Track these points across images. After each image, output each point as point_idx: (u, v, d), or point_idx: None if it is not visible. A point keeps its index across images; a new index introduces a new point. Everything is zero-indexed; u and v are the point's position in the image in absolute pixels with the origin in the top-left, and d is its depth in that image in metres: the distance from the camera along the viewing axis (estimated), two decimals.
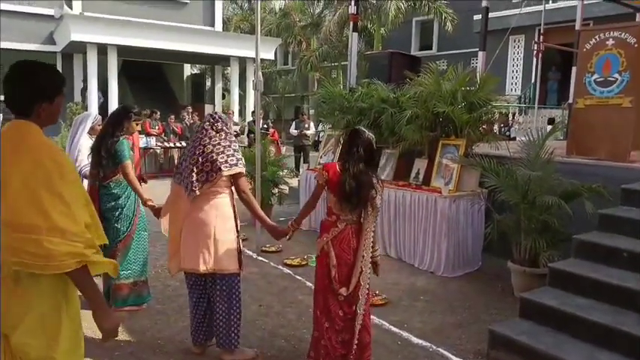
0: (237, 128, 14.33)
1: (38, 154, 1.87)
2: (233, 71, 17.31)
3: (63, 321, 1.94)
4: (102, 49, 14.48)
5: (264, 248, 6.29)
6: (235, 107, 17.18)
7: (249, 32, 21.63)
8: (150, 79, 18.24)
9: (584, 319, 3.41)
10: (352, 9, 8.48)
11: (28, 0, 15.37)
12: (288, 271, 5.58)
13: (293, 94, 26.55)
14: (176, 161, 13.33)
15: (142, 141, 12.26)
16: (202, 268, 3.38)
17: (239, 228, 3.56)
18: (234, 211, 3.54)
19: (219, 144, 3.42)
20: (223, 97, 20.40)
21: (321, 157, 7.67)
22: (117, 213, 4.24)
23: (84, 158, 4.95)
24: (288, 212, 8.33)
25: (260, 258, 6.00)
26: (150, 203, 4.17)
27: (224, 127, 3.51)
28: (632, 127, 5.33)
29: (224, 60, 17.38)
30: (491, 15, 10.02)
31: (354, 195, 3.09)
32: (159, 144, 13.21)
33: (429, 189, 5.83)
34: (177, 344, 3.77)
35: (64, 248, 1.79)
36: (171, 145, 13.38)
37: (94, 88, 14.70)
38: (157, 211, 3.88)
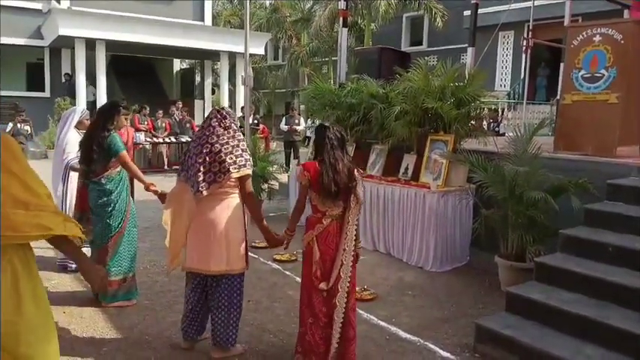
0: (235, 119, 14.27)
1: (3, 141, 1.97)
2: (223, 66, 17.26)
3: (23, 296, 1.98)
4: (90, 44, 14.36)
5: (253, 244, 6.26)
6: (225, 103, 17.12)
7: (239, 27, 21.51)
8: (139, 74, 18.13)
9: (570, 313, 3.45)
10: (342, 4, 8.48)
11: None
12: (278, 266, 5.58)
13: (283, 90, 26.50)
14: (165, 157, 13.27)
15: None
16: (214, 269, 3.33)
17: (247, 227, 3.51)
18: (244, 210, 3.47)
19: (227, 143, 3.32)
20: (213, 92, 20.32)
21: (311, 152, 7.66)
22: (109, 209, 4.22)
23: (72, 151, 4.93)
24: (278, 208, 8.35)
25: (250, 253, 5.89)
26: (153, 188, 4.13)
27: (232, 124, 3.41)
28: (618, 123, 5.38)
29: (214, 55, 17.32)
30: (481, 11, 10.02)
31: (332, 184, 3.11)
32: (148, 139, 13.13)
33: (417, 184, 5.86)
34: (165, 340, 3.76)
35: (28, 220, 1.92)
36: (160, 140, 13.30)
37: (82, 83, 14.59)
38: (162, 197, 3.83)
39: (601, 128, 5.45)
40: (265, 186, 7.88)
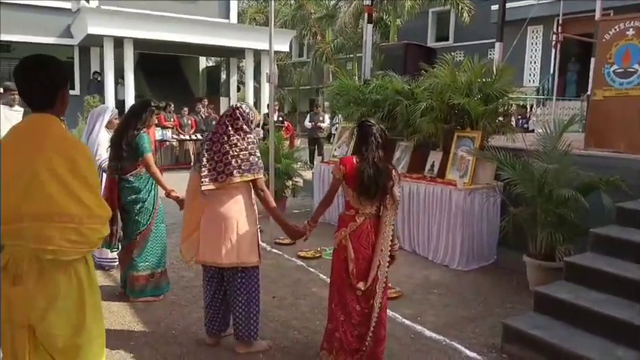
0: (252, 119, 14.35)
1: (64, 146, 1.94)
2: (248, 64, 17.32)
3: (87, 309, 1.98)
4: (118, 42, 14.58)
5: (277, 240, 6.30)
6: (250, 100, 17.20)
7: (264, 24, 21.60)
8: (166, 71, 18.33)
9: (600, 314, 3.37)
10: (367, 0, 8.42)
11: None
12: (302, 263, 5.59)
13: (308, 87, 26.49)
14: (191, 154, 13.43)
15: (157, 134, 12.36)
16: (225, 261, 3.36)
17: (257, 219, 3.55)
18: (254, 203, 3.51)
19: (235, 145, 3.33)
20: (238, 89, 20.43)
21: (335, 149, 7.65)
22: (138, 206, 4.28)
23: (103, 152, 4.98)
24: (302, 204, 8.36)
25: (274, 250, 6.02)
26: (174, 194, 4.20)
27: (243, 126, 3.40)
28: None
29: (239, 52, 17.39)
30: (508, 5, 9.87)
31: (372, 184, 3.08)
32: (174, 136, 13.30)
33: (443, 181, 5.79)
34: (191, 335, 3.81)
35: (100, 234, 1.96)
36: (186, 137, 13.45)
37: (111, 81, 14.82)
38: (182, 203, 3.89)
39: (633, 124, 5.30)
40: (289, 183, 7.91)
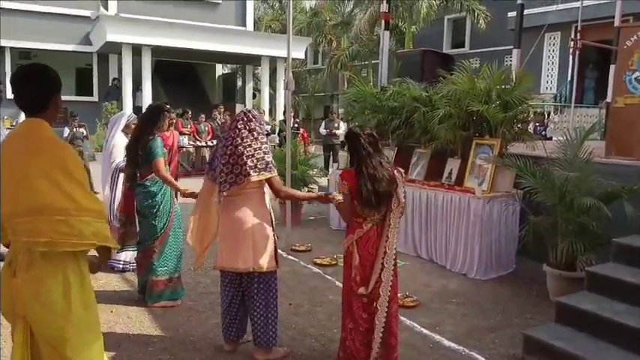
0: (269, 127, 14.41)
1: (54, 148, 2.09)
2: (264, 71, 17.44)
3: (73, 301, 2.06)
4: (136, 50, 14.77)
5: (294, 247, 6.30)
6: (266, 106, 17.29)
7: (280, 32, 21.73)
8: (183, 78, 18.52)
9: (623, 325, 3.30)
10: (384, 7, 8.43)
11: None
12: (318, 270, 5.57)
13: (323, 93, 26.56)
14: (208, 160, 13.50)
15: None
16: (242, 267, 3.37)
17: (274, 225, 3.56)
18: (269, 208, 3.54)
19: (249, 145, 3.37)
20: (254, 96, 20.56)
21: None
22: (154, 210, 4.32)
23: (119, 154, 5.06)
24: (317, 211, 8.36)
25: (290, 257, 6.01)
26: (189, 192, 4.17)
27: (257, 127, 3.46)
28: None
29: (255, 59, 17.53)
30: (526, 12, 9.81)
31: (372, 196, 3.08)
32: (191, 143, 13.39)
33: (461, 189, 5.74)
34: (209, 341, 3.81)
35: (93, 228, 2.01)
36: (203, 144, 13.54)
37: (129, 88, 15.01)
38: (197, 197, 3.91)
39: None
40: (305, 189, 7.91)
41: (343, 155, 9.19)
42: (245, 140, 3.38)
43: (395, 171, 3.19)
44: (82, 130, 10.49)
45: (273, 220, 3.57)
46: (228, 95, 20.84)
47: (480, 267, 5.39)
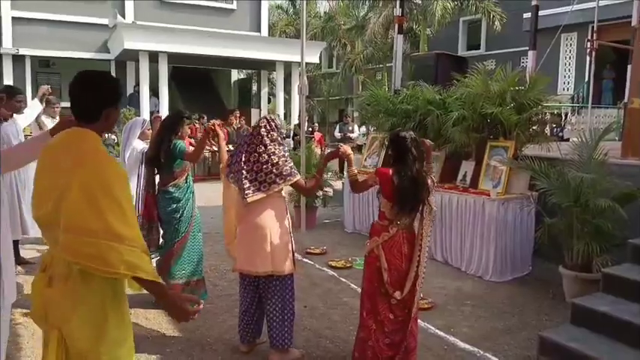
0: (283, 132, 14.48)
1: (98, 162, 1.97)
2: (278, 76, 17.54)
3: (109, 317, 2.02)
4: (153, 57, 14.97)
5: (308, 250, 6.35)
6: (281, 111, 17.39)
7: (295, 37, 21.81)
8: (198, 84, 18.71)
9: (639, 326, 3.28)
10: (397, 11, 8.47)
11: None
12: (333, 273, 5.60)
13: (337, 97, 26.60)
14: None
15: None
16: (261, 270, 3.43)
17: (292, 229, 3.61)
18: (287, 213, 3.59)
19: (274, 153, 3.44)
20: (269, 101, 20.68)
21: (365, 159, 7.66)
22: (178, 215, 4.39)
23: (133, 153, 5.18)
24: (332, 214, 8.39)
25: (305, 259, 6.05)
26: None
27: (278, 137, 3.54)
28: None
29: (270, 65, 17.63)
30: (542, 13, 9.76)
31: (411, 200, 3.12)
32: (207, 148, 13.51)
33: (476, 192, 5.73)
34: (225, 342, 3.86)
35: (122, 256, 1.85)
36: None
37: (146, 94, 15.21)
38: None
39: None
40: (320, 193, 7.94)
41: (358, 158, 9.22)
42: (269, 148, 3.45)
43: (429, 179, 3.21)
44: (113, 136, 10.64)
45: (291, 223, 3.62)
46: (244, 100, 20.97)
47: (496, 269, 5.37)
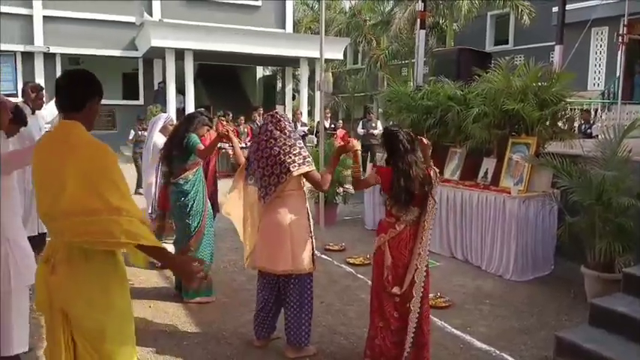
0: (306, 128, 14.52)
1: (93, 149, 2.11)
2: (303, 72, 17.55)
3: (112, 297, 2.15)
4: (179, 54, 15.15)
5: (327, 247, 6.36)
6: (304, 108, 17.41)
7: (319, 33, 21.77)
8: (224, 81, 18.85)
9: None
10: (420, 6, 8.37)
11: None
12: (351, 269, 5.61)
13: (362, 94, 26.47)
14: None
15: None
16: (281, 268, 3.46)
17: (312, 227, 3.61)
18: (308, 210, 3.61)
19: (284, 144, 3.45)
20: (293, 97, 20.71)
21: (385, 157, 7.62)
22: (187, 209, 4.46)
23: (154, 147, 5.40)
24: (353, 211, 8.38)
25: (324, 256, 6.06)
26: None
27: (287, 125, 3.55)
28: None
29: (294, 61, 17.66)
30: (571, 6, 9.55)
31: (403, 193, 3.12)
32: (231, 145, 13.65)
33: (497, 189, 5.66)
34: (240, 336, 3.91)
35: (121, 227, 2.00)
36: (242, 145, 13.78)
37: (172, 91, 15.41)
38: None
39: None
40: (340, 190, 7.94)
41: (381, 155, 9.19)
42: (279, 140, 3.46)
43: (431, 171, 3.20)
44: (145, 132, 10.88)
45: (312, 221, 3.63)
46: (269, 97, 21.05)
47: (516, 268, 5.30)
